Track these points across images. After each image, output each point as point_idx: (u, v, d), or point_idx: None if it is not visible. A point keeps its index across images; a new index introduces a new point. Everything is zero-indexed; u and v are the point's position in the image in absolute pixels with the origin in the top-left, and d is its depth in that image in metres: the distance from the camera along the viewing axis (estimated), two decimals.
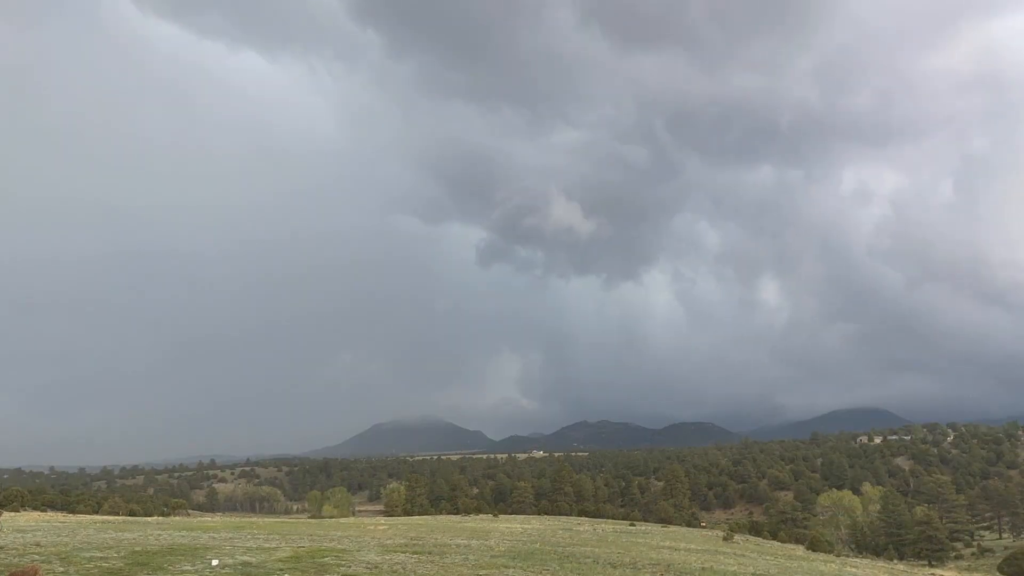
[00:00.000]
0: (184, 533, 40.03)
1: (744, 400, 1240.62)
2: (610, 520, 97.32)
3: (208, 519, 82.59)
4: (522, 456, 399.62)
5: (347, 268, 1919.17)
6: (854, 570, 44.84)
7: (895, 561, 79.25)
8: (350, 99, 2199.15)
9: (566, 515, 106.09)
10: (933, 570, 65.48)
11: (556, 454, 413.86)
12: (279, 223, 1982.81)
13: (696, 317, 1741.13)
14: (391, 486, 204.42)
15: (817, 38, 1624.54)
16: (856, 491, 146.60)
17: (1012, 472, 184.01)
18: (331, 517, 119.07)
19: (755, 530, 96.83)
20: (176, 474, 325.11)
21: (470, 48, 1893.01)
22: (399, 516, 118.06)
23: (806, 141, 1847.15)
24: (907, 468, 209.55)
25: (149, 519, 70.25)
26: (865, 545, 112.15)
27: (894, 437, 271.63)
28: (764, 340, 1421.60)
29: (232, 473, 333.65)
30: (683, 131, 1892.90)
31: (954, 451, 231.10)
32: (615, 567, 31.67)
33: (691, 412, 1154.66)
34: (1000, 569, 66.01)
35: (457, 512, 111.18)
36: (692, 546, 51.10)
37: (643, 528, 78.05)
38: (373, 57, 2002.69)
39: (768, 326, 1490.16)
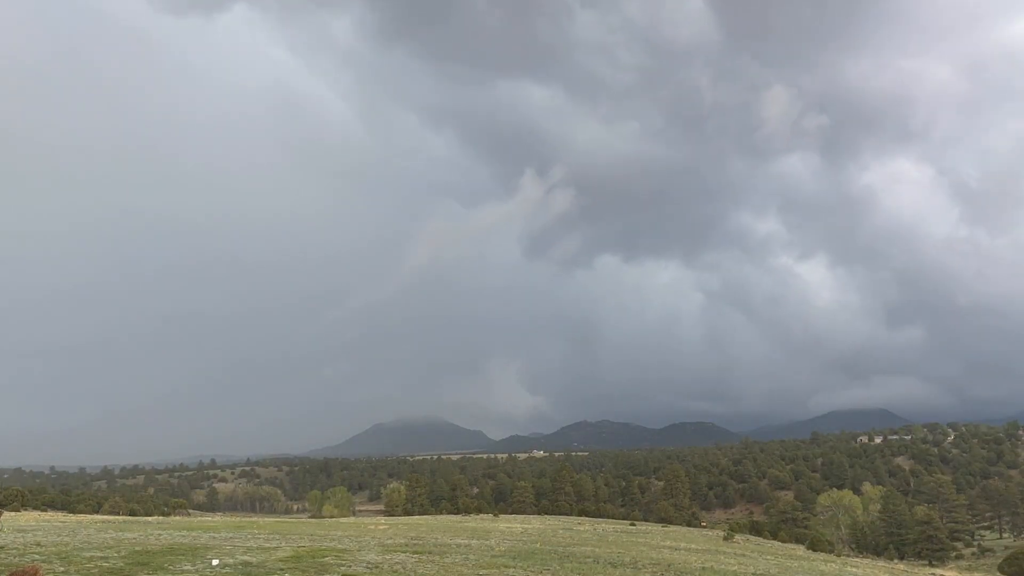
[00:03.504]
0: (184, 533, 40.04)
1: (779, 400, 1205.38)
2: (610, 520, 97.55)
3: (208, 519, 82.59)
4: (522, 456, 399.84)
5: (352, 267, 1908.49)
6: (855, 570, 44.82)
7: (896, 561, 79.41)
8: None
9: (566, 515, 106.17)
10: (934, 570, 65.49)
11: (556, 454, 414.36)
12: (284, 228, 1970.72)
13: (727, 313, 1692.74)
14: (391, 486, 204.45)
15: None
16: (856, 491, 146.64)
17: (1012, 472, 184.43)
18: (331, 517, 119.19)
19: (755, 530, 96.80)
20: (176, 474, 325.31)
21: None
22: (399, 516, 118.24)
23: (861, 129, 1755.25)
24: (907, 468, 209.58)
25: (149, 519, 70.24)
26: (866, 545, 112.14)
27: (894, 437, 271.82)
28: (803, 340, 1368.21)
29: (232, 473, 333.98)
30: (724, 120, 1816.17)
31: (954, 451, 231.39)
32: (616, 567, 31.66)
33: (705, 411, 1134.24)
34: (1000, 569, 65.95)
35: (457, 512, 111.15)
36: (692, 546, 51.10)
37: (643, 528, 78.15)
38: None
39: (806, 324, 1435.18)
